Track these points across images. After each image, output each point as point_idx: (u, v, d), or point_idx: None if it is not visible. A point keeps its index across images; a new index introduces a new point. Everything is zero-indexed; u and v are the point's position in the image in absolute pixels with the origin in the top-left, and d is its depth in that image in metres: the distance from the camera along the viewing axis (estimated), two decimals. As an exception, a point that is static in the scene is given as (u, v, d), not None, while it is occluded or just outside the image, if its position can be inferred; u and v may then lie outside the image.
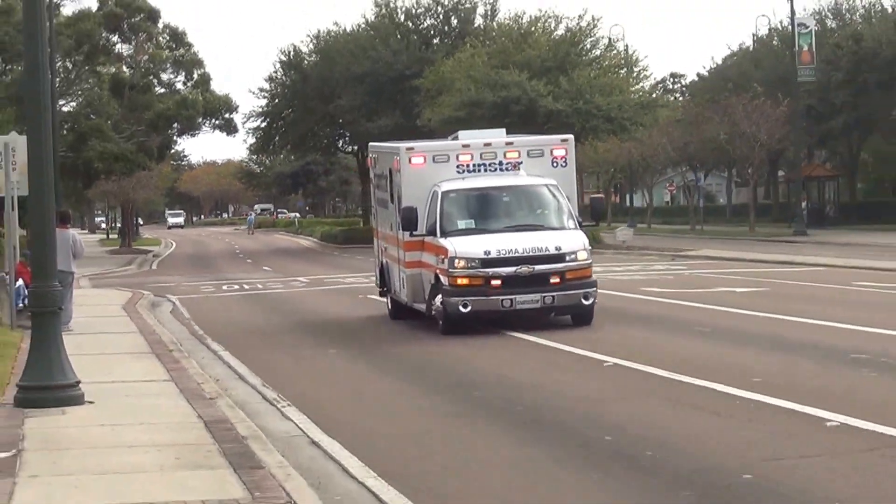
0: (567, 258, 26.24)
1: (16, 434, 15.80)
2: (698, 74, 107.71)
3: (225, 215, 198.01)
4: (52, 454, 14.60)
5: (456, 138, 30.60)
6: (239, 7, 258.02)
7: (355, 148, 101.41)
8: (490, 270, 26.01)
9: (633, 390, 19.87)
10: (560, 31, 79.89)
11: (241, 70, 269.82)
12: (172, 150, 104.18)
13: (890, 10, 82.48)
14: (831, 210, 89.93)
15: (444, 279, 26.09)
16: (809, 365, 21.62)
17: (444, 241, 26.47)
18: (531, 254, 26.17)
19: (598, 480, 13.81)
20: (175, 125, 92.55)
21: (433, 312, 26.88)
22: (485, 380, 21.98)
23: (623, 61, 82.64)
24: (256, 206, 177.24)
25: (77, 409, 17.63)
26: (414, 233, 27.39)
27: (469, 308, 25.79)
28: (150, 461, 14.06)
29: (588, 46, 79.89)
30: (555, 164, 29.03)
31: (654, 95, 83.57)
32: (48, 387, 17.98)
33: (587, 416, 17.82)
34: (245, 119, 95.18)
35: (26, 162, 23.05)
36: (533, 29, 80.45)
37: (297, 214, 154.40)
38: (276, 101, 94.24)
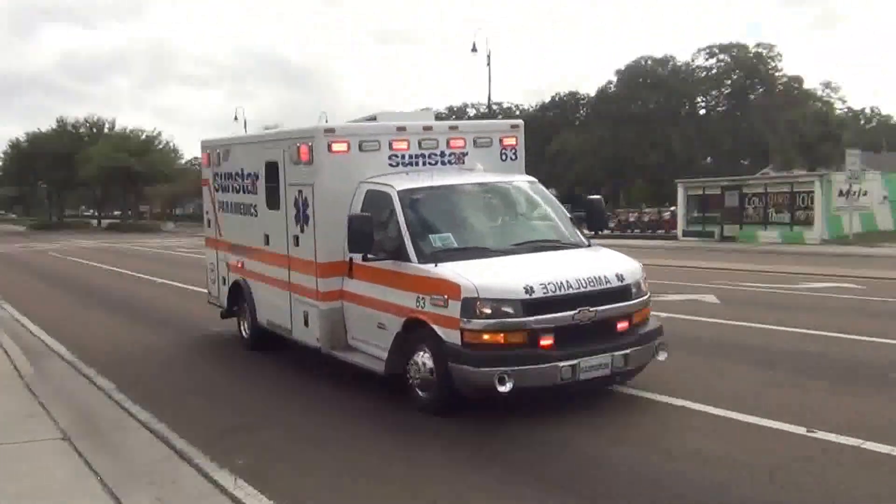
0: (633, 292, 6.07)
1: None
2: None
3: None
4: None
5: (374, 119, 8.01)
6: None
7: (46, 186, 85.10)
8: (533, 319, 5.44)
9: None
10: (143, 136, 70.30)
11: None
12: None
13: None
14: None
15: (446, 333, 5.64)
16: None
17: (442, 271, 5.82)
18: (588, 289, 5.73)
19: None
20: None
21: (411, 380, 6.17)
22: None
23: (173, 153, 74.17)
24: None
25: None
26: (369, 256, 6.52)
27: (510, 384, 5.38)
28: None
29: (156, 143, 70.93)
30: (504, 157, 7.96)
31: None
32: None
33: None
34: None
35: None
36: (131, 135, 70.36)
37: (15, 215, 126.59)
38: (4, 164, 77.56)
